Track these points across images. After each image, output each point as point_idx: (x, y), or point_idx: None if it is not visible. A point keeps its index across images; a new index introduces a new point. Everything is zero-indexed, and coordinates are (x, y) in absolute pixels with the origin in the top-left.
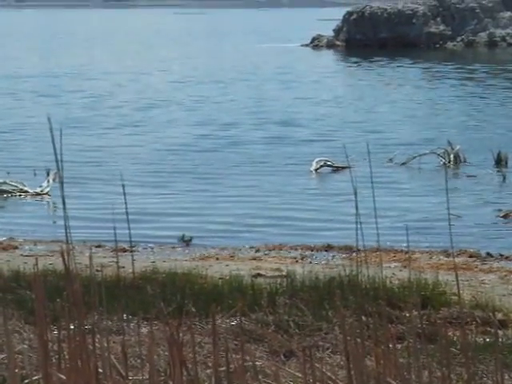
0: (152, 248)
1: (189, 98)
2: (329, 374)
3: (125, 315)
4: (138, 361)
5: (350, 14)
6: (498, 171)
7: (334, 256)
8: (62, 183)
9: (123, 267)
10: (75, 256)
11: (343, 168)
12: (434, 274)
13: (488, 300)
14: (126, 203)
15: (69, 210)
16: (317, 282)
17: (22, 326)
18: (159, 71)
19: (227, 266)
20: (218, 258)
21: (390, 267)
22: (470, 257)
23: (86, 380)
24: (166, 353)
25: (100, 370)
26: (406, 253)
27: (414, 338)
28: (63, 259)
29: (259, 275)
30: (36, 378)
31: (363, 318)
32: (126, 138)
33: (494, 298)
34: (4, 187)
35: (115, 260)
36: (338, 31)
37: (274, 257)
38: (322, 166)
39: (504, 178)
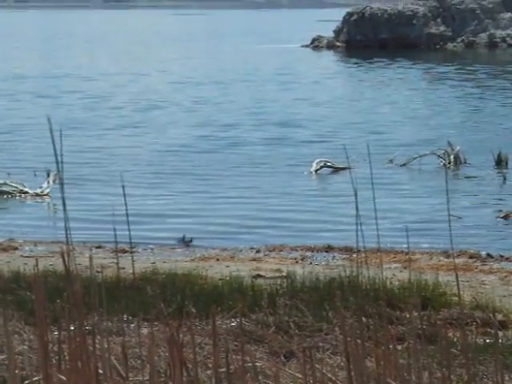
0: (152, 249)
1: (188, 99)
2: (329, 374)
3: (125, 316)
4: (139, 362)
5: (350, 14)
6: (499, 172)
7: (334, 257)
8: (62, 184)
9: (123, 268)
10: (75, 257)
11: (343, 169)
12: (435, 274)
13: (488, 301)
14: (126, 204)
15: (69, 211)
16: (317, 282)
17: (23, 326)
18: (159, 72)
19: (227, 266)
20: (218, 259)
21: (390, 268)
22: (471, 258)
23: (87, 381)
24: (167, 354)
25: (100, 371)
26: (407, 254)
27: (414, 338)
28: (63, 260)
29: (259, 276)
30: (36, 378)
31: (363, 318)
32: (126, 139)
33: (495, 299)
34: (4, 188)
35: (115, 261)
36: (338, 32)
37: (274, 258)
38: (322, 167)
39: (504, 179)
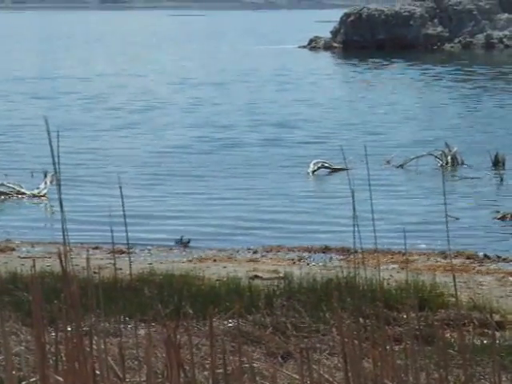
0: (149, 250)
1: (186, 100)
2: (326, 375)
3: (122, 317)
4: (136, 363)
5: (347, 15)
6: (496, 173)
7: (331, 258)
8: (59, 185)
9: (120, 269)
10: (72, 258)
11: (341, 170)
12: (432, 275)
13: (485, 302)
14: (123, 205)
15: (66, 211)
16: (314, 283)
17: (19, 327)
18: (156, 73)
19: (224, 267)
20: (215, 260)
21: (387, 269)
22: (468, 258)
23: (84, 382)
24: (164, 354)
25: (97, 372)
26: (404, 254)
27: (411, 339)
28: (60, 261)
29: (256, 277)
30: (33, 379)
31: (361, 319)
32: (123, 140)
33: (492, 300)
34: (1, 189)
35: (112, 262)
36: (335, 33)
37: (271, 258)
38: (319, 168)
39: (501, 180)
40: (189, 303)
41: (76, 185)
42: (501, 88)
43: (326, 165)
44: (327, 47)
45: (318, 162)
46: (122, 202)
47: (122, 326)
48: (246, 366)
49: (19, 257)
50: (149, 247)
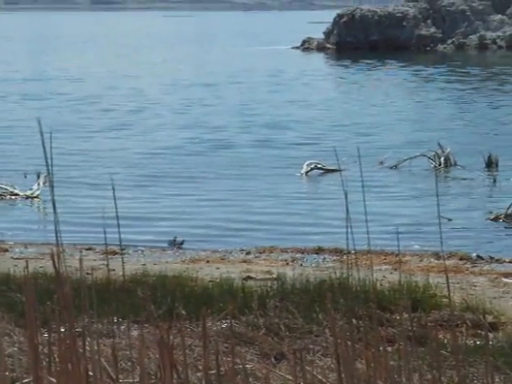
0: (142, 251)
1: (177, 101)
2: (319, 376)
3: (115, 318)
4: (129, 364)
5: (340, 16)
6: (489, 174)
7: (324, 258)
8: (52, 186)
9: (113, 270)
10: (65, 259)
11: (334, 171)
12: (425, 276)
13: (478, 303)
14: (116, 206)
15: (59, 213)
16: (307, 284)
17: (12, 328)
18: (148, 74)
19: (218, 268)
20: (208, 261)
21: (380, 270)
22: (461, 259)
23: (77, 383)
24: (157, 356)
25: (90, 373)
26: (397, 255)
27: (404, 340)
28: (53, 262)
29: (250, 278)
30: (26, 381)
31: (354, 320)
32: (115, 141)
33: (485, 301)
34: None
35: (105, 263)
36: (328, 34)
37: (264, 259)
38: (312, 169)
39: (494, 181)
40: (182, 304)
41: (69, 186)
42: (494, 89)
43: (319, 166)
44: (320, 48)
45: (311, 163)
46: (115, 203)
47: (115, 327)
48: (239, 366)
49: (12, 258)
50: (142, 248)
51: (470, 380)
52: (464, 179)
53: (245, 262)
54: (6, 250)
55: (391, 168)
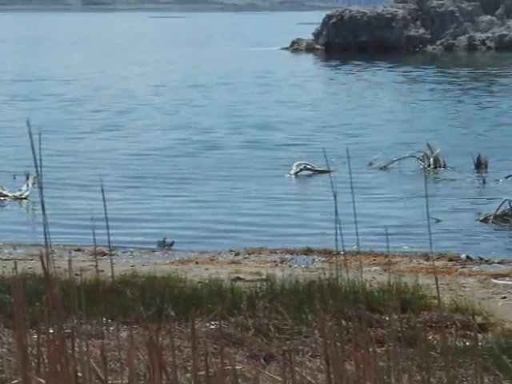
0: (131, 252)
1: (168, 102)
2: (308, 377)
3: (104, 319)
4: (118, 365)
5: (329, 17)
6: (478, 175)
7: (313, 259)
8: (41, 188)
9: (102, 271)
10: (54, 260)
11: (323, 172)
12: (414, 277)
13: (468, 304)
14: (105, 206)
15: (48, 214)
16: (296, 285)
17: (1, 329)
18: (138, 75)
19: (207, 269)
20: (197, 262)
21: (369, 271)
22: (450, 260)
23: None
24: (146, 357)
25: (79, 374)
26: (386, 256)
27: (393, 341)
28: (42, 263)
29: (239, 279)
30: (15, 382)
31: (343, 321)
32: (104, 143)
33: (474, 302)
34: None
35: (94, 264)
36: (317, 35)
37: (253, 260)
38: (301, 170)
39: (484, 182)
40: (171, 305)
41: (58, 187)
42: (483, 90)
43: (309, 167)
44: (309, 49)
45: (300, 164)
46: (104, 205)
47: (104, 328)
48: (229, 368)
49: (1, 259)
50: (131, 249)
51: (460, 381)
52: (453, 180)
53: (234, 263)
54: None
55: (380, 169)
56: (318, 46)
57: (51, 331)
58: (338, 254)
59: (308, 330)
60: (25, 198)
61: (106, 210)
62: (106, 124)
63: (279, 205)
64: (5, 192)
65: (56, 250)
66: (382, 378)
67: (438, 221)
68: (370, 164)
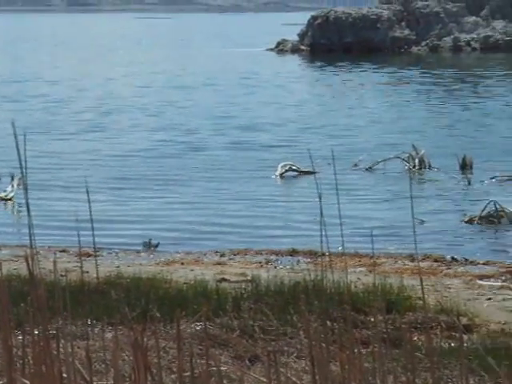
0: (116, 253)
1: (152, 103)
2: (294, 378)
3: (89, 320)
4: (103, 366)
5: (314, 18)
6: (463, 176)
7: (298, 261)
8: (26, 189)
9: (87, 272)
10: (39, 261)
11: (308, 173)
12: (399, 278)
13: (453, 305)
14: (90, 208)
15: (33, 215)
16: (282, 286)
17: None
18: (123, 76)
19: (192, 270)
20: (182, 263)
21: (355, 272)
22: (435, 261)
23: None
24: (131, 358)
25: (64, 375)
26: (371, 257)
27: (378, 342)
28: (27, 264)
29: (224, 280)
30: (0, 383)
31: (328, 322)
32: (89, 144)
33: (459, 303)
34: None
35: (79, 265)
36: (302, 36)
37: (238, 261)
38: (287, 171)
39: (469, 183)
40: (156, 306)
41: (42, 188)
42: (468, 91)
43: (294, 168)
44: (294, 50)
45: (285, 165)
46: (89, 206)
47: (89, 329)
48: (214, 369)
49: None
50: (116, 250)
51: (445, 382)
52: (438, 181)
53: (219, 264)
54: None
55: (365, 170)
56: (303, 47)
57: (36, 332)
58: (323, 255)
59: (293, 331)
60: (10, 199)
61: (90, 212)
62: (91, 125)
63: (264, 206)
64: None
65: (41, 251)
66: (367, 379)
67: (423, 222)
68: (355, 165)
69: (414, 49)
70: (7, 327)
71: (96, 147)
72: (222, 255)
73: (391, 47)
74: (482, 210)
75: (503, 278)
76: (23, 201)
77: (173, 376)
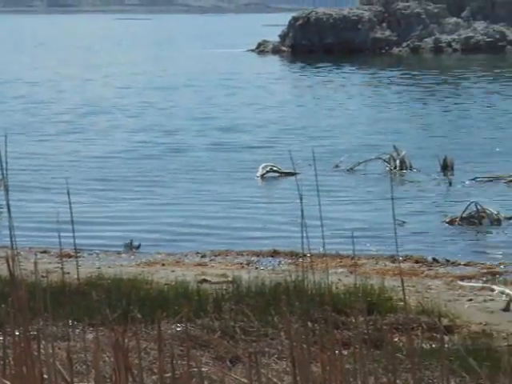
0: (97, 254)
1: (133, 105)
2: (275, 379)
3: (70, 321)
4: (84, 367)
5: (295, 19)
6: (444, 177)
7: (280, 262)
8: (6, 190)
9: (68, 273)
10: (20, 262)
11: (289, 174)
12: (380, 279)
13: (434, 306)
14: (71, 209)
15: (14, 217)
16: (263, 287)
17: None
18: (103, 77)
19: (173, 271)
20: (163, 264)
21: (336, 273)
22: (416, 262)
23: None
24: (112, 359)
25: (45, 376)
26: (352, 258)
27: (359, 343)
28: (8, 265)
29: (205, 281)
30: None
31: (309, 323)
32: (69, 145)
33: (440, 304)
34: None
35: (60, 266)
36: (283, 37)
37: (219, 262)
38: (268, 172)
39: (450, 184)
40: (137, 307)
41: (23, 190)
42: (449, 92)
43: (275, 169)
44: (275, 51)
45: (266, 166)
46: (70, 207)
47: (70, 330)
48: (195, 370)
49: None
50: (97, 251)
51: (426, 383)
52: (419, 182)
53: (200, 265)
54: None
55: (346, 171)
56: (284, 48)
57: (17, 333)
58: (304, 256)
59: (274, 332)
60: None
61: (71, 213)
62: (71, 126)
63: (245, 207)
64: None
65: (22, 252)
66: (348, 380)
67: (404, 223)
68: (336, 166)
69: (395, 50)
70: None
71: (76, 148)
72: (203, 256)
73: (372, 48)
74: (463, 211)
75: (484, 278)
76: (4, 202)
77: (154, 377)
